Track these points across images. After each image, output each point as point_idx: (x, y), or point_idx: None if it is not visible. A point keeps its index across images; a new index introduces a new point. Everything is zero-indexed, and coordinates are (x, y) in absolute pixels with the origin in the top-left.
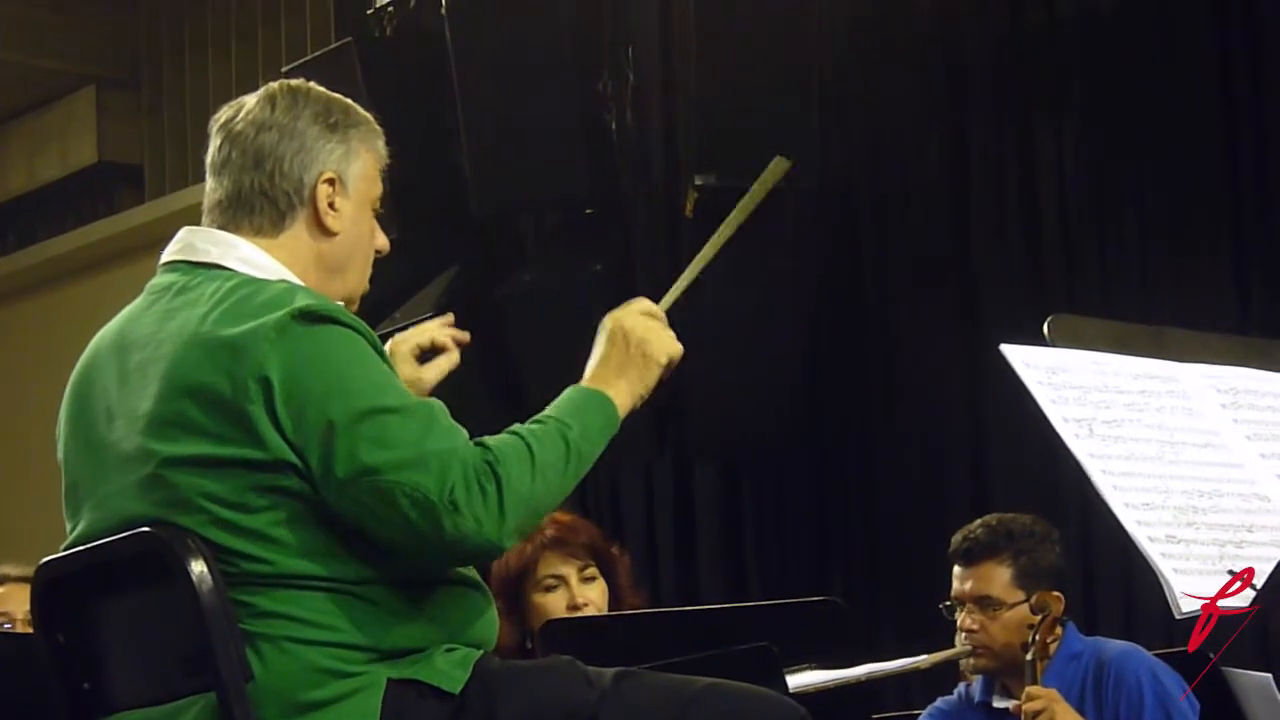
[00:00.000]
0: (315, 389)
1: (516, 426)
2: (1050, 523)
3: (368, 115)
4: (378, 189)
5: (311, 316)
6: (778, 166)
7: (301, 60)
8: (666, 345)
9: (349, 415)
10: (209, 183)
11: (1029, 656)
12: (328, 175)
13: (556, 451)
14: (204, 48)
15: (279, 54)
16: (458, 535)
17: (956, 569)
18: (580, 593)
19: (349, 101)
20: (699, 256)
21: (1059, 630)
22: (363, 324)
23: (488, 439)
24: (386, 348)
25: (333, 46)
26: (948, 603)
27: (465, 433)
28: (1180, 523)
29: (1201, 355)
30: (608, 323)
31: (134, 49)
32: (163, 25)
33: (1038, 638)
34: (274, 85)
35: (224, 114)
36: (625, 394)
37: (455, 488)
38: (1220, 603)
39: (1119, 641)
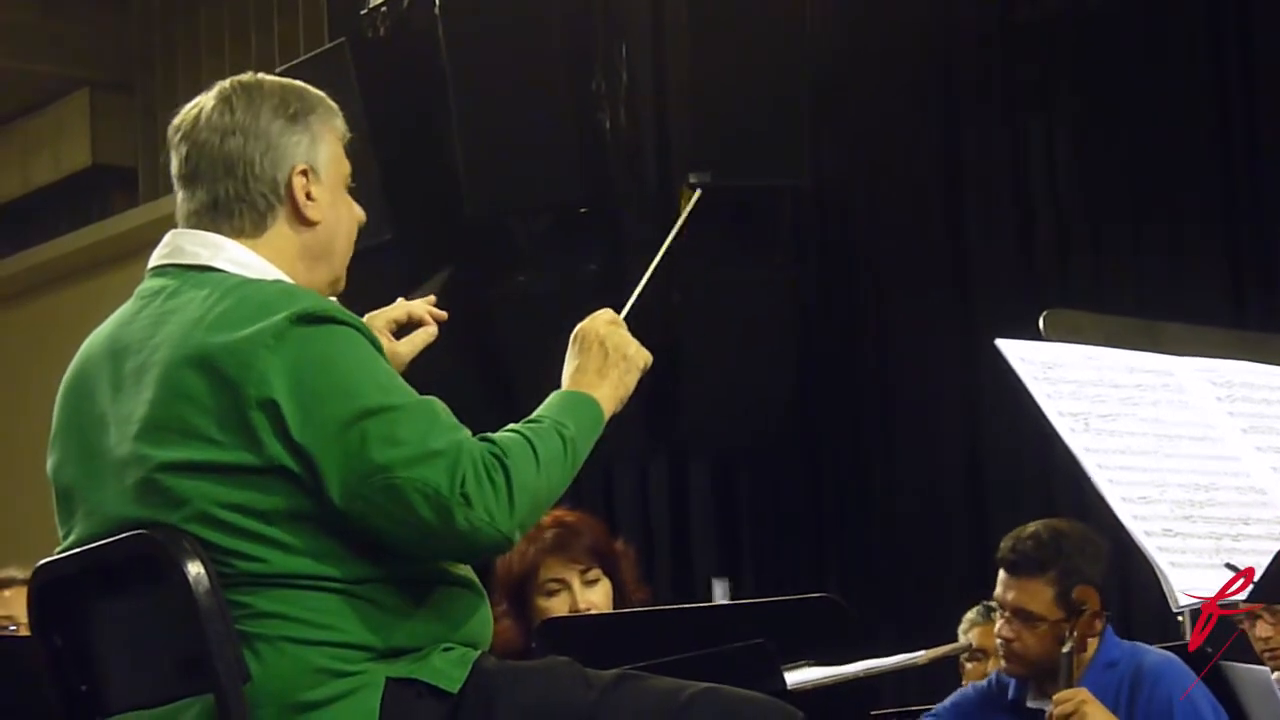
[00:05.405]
0: (321, 391)
1: (513, 425)
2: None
3: (321, 94)
4: (346, 166)
5: (310, 318)
6: (688, 193)
7: (295, 61)
8: (643, 351)
9: (356, 414)
10: (180, 193)
11: (1065, 649)
12: (300, 168)
13: (556, 447)
14: (197, 49)
15: (272, 55)
16: (470, 529)
17: (1002, 574)
18: (583, 597)
19: (301, 85)
20: (647, 271)
21: (1098, 625)
22: (359, 321)
23: (490, 434)
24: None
25: (326, 47)
26: (990, 602)
27: (466, 429)
28: (1177, 516)
29: (1196, 349)
30: (580, 332)
31: (126, 52)
32: (155, 28)
33: (1076, 632)
34: (225, 85)
35: (184, 122)
36: (609, 398)
37: (466, 481)
38: (1221, 601)
39: (1159, 651)
